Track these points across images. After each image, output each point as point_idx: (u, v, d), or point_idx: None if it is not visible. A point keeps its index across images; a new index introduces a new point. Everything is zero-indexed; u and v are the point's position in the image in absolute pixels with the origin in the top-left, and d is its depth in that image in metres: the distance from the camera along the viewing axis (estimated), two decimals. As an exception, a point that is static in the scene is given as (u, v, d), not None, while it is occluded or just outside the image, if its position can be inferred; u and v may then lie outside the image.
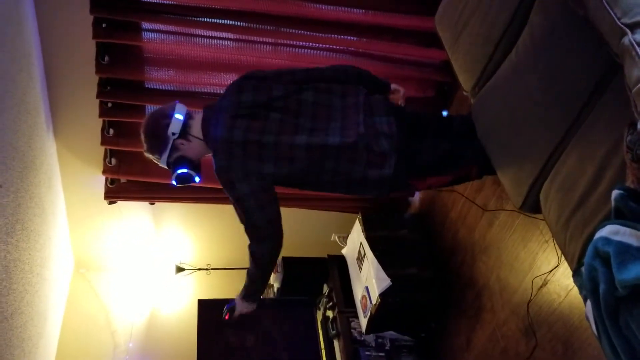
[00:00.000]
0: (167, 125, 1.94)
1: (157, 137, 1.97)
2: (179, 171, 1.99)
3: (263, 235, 2.03)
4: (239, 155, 1.88)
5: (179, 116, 1.96)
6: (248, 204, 1.93)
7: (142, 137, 2.00)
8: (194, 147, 2.00)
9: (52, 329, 3.30)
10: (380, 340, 3.24)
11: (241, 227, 3.85)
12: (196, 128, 1.99)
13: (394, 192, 2.07)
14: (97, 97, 2.93)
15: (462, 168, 2.17)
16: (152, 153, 2.01)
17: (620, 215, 1.18)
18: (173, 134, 1.95)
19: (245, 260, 3.90)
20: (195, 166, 2.04)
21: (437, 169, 2.12)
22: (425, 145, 2.08)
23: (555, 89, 1.61)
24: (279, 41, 3.04)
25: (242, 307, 2.34)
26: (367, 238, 3.13)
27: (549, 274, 2.30)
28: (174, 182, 2.01)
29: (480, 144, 1.98)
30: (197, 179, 2.03)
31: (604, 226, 1.18)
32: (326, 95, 2.04)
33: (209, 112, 2.01)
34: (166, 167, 2.02)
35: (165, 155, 1.98)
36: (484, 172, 2.23)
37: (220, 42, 2.96)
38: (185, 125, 1.97)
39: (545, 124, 1.66)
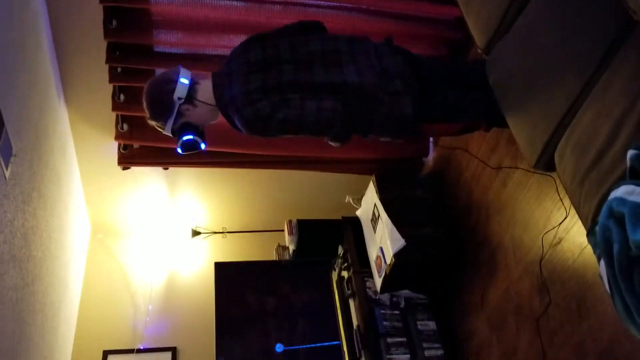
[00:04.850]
0: (173, 90, 1.91)
1: (162, 102, 1.93)
2: (185, 137, 1.95)
3: (327, 122, 1.91)
4: (260, 98, 1.87)
5: (184, 80, 1.92)
6: (292, 116, 1.88)
7: (145, 104, 1.97)
8: (200, 113, 1.97)
9: (73, 293, 3.38)
10: (395, 299, 3.27)
11: (255, 191, 3.89)
12: (204, 93, 1.96)
13: (405, 136, 2.06)
14: (107, 62, 2.91)
15: (471, 118, 2.16)
16: (156, 120, 1.97)
17: (635, 175, 1.17)
18: (179, 98, 1.91)
19: (259, 223, 3.95)
20: (201, 133, 2.00)
21: (446, 116, 2.11)
22: (435, 91, 2.07)
23: (570, 45, 1.57)
24: (289, 0, 2.98)
25: None
26: (381, 199, 3.13)
27: (559, 229, 2.29)
28: (179, 150, 1.98)
29: (491, 97, 1.95)
30: (202, 146, 2.00)
31: (619, 186, 1.17)
32: (333, 43, 2.03)
33: (219, 77, 1.99)
34: (170, 135, 2.00)
35: (170, 122, 1.94)
36: (493, 124, 2.21)
37: (228, 2, 2.91)
38: (191, 89, 1.94)
39: (560, 81, 1.62)
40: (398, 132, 2.01)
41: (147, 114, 1.99)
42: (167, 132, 2.00)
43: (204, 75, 2.02)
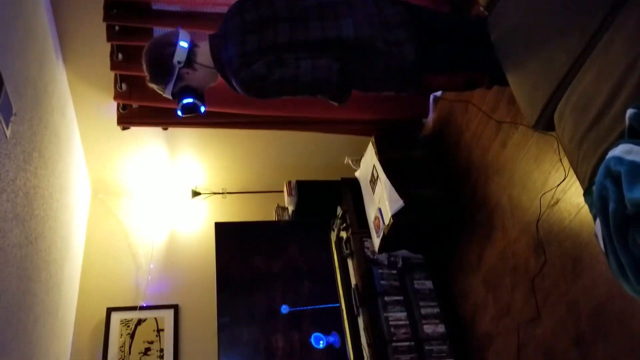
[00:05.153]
0: (172, 54, 1.91)
1: (162, 65, 1.94)
2: (185, 101, 1.97)
3: (323, 81, 1.91)
4: (257, 59, 1.87)
5: (183, 44, 1.93)
6: (288, 76, 1.87)
7: (145, 66, 1.97)
8: (199, 76, 1.98)
9: (75, 251, 3.42)
10: (392, 259, 3.31)
11: (254, 152, 3.90)
12: (202, 56, 1.96)
13: (408, 88, 2.05)
14: (104, 20, 2.87)
15: (474, 70, 2.15)
16: (157, 83, 1.98)
17: (634, 134, 1.17)
18: (178, 62, 1.92)
19: (258, 184, 3.96)
20: (200, 96, 2.01)
21: (449, 67, 2.10)
22: (436, 43, 2.06)
23: (572, 4, 1.55)
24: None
25: None
26: (380, 160, 3.14)
27: (557, 189, 2.31)
28: (179, 113, 2.00)
29: (492, 54, 1.94)
30: (202, 109, 2.02)
31: (617, 145, 1.18)
32: None
33: (215, 39, 1.98)
34: (170, 98, 2.01)
35: (170, 86, 1.96)
36: (494, 82, 2.21)
37: (227, -42, 2.87)
38: (190, 52, 1.94)
39: (561, 40, 1.61)
40: (400, 84, 2.00)
41: (147, 76, 2.00)
42: (167, 96, 2.01)
43: (203, 37, 2.01)
